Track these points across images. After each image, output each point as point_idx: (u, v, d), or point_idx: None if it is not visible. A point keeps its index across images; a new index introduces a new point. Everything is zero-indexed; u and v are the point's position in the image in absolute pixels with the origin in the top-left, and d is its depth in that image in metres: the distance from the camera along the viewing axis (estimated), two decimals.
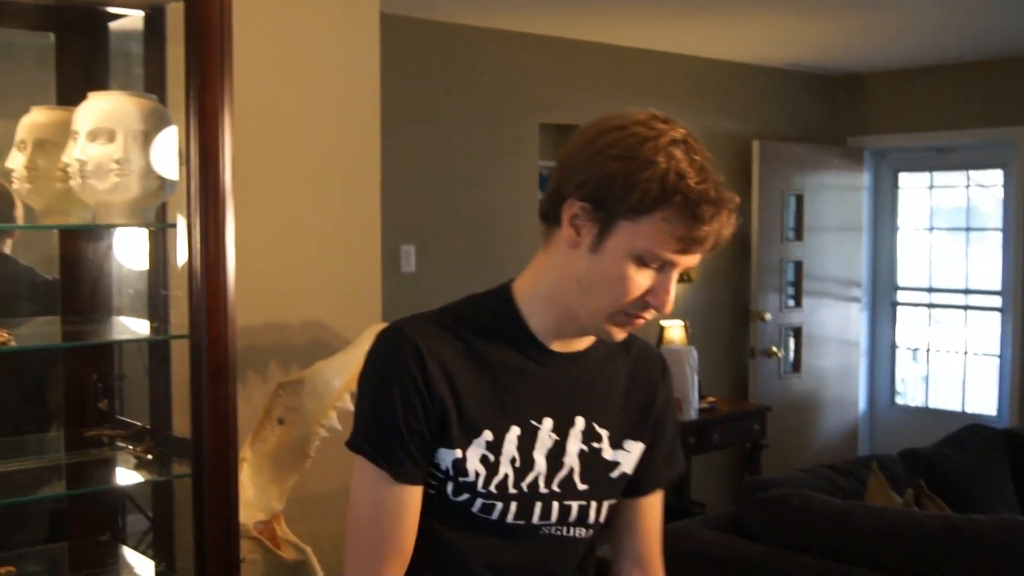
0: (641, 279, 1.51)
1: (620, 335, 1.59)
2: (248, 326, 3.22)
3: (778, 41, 6.03)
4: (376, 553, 1.58)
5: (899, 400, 7.61)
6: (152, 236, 2.68)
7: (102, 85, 2.70)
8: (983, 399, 7.17)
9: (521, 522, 1.62)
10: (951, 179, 7.37)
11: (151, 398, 2.78)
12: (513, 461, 1.60)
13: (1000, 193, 6.98)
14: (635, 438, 1.72)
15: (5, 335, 2.29)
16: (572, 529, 1.67)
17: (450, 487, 1.59)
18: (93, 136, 2.31)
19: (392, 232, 4.84)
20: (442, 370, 1.55)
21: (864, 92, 7.24)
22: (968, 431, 4.53)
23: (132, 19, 2.66)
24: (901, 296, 7.56)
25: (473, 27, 5.36)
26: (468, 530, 1.61)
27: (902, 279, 7.55)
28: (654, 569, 1.82)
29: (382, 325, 3.17)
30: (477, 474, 1.58)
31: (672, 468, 1.80)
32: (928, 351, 7.48)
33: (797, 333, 6.94)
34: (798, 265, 6.92)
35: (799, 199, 6.88)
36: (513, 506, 1.61)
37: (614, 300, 1.53)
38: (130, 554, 2.85)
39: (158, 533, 2.84)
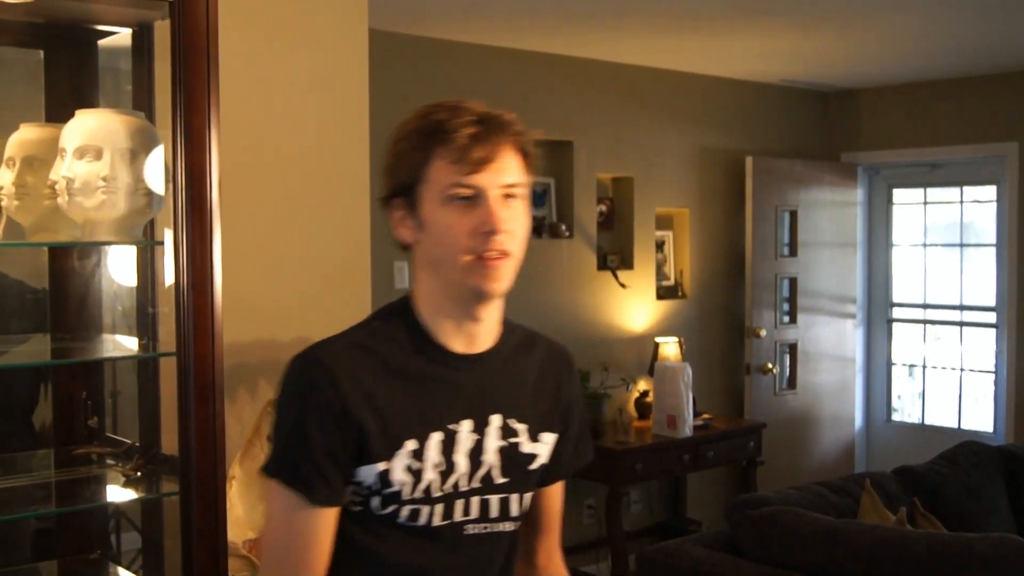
0: (462, 217, 1.61)
1: (490, 284, 1.63)
2: (238, 343, 3.22)
3: (771, 57, 6.04)
4: None
5: (895, 417, 7.59)
6: (140, 253, 2.68)
7: (91, 102, 2.70)
8: (979, 416, 7.16)
9: (446, 523, 1.67)
10: (945, 195, 7.37)
11: (140, 415, 2.77)
12: (437, 466, 1.65)
13: (995, 208, 6.99)
14: (549, 429, 1.79)
15: None
16: (496, 524, 1.73)
17: (375, 501, 1.64)
18: (80, 153, 2.31)
19: (385, 249, 4.82)
20: (358, 388, 1.60)
21: (857, 108, 7.25)
22: (963, 448, 4.52)
23: (121, 36, 2.66)
24: (896, 312, 7.55)
25: (464, 43, 5.37)
26: (396, 540, 1.66)
27: (897, 295, 7.54)
28: (555, 556, 1.92)
29: None
30: (403, 483, 1.63)
31: (579, 458, 1.87)
32: (924, 367, 7.47)
33: (792, 349, 6.93)
34: (793, 281, 6.91)
35: (793, 215, 6.88)
36: (438, 508, 1.66)
37: (455, 247, 1.61)
38: (120, 572, 2.84)
39: (147, 551, 2.83)
